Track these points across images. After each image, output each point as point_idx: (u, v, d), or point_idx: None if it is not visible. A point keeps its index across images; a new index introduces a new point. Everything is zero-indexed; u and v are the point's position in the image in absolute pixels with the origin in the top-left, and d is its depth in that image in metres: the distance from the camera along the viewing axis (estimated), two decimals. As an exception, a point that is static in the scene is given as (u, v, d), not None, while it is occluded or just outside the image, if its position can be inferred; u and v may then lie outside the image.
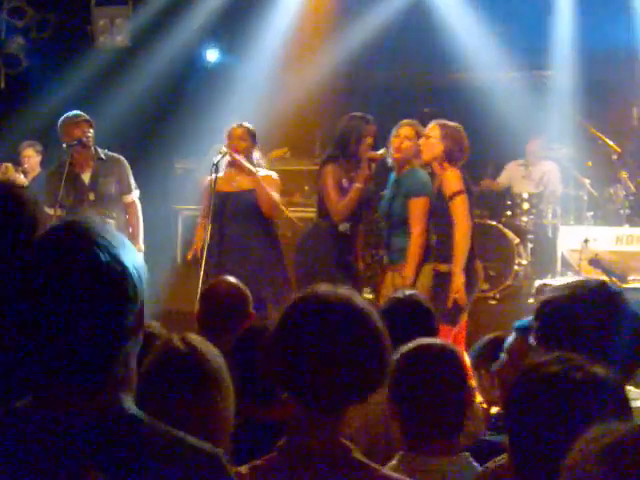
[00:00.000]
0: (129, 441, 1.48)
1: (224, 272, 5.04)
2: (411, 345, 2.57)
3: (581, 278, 2.46)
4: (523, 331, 2.89)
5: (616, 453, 1.13)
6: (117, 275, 1.50)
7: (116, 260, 1.51)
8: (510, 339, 3.06)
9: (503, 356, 3.05)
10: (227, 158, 6.26)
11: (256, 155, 6.35)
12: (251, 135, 6.32)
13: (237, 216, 6.17)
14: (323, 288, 2.03)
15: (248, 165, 6.21)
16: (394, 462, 2.45)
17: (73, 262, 1.48)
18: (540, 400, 1.75)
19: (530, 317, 3.00)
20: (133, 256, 1.55)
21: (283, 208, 6.47)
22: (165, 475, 1.47)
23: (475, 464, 2.48)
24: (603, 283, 2.38)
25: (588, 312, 2.25)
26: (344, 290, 2.03)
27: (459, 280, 5.53)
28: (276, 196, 6.23)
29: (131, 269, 1.53)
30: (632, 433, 1.15)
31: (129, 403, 1.53)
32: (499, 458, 2.32)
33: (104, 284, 1.49)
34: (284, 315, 2.01)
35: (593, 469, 1.13)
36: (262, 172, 6.29)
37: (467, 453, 2.52)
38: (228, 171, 6.29)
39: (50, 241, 1.53)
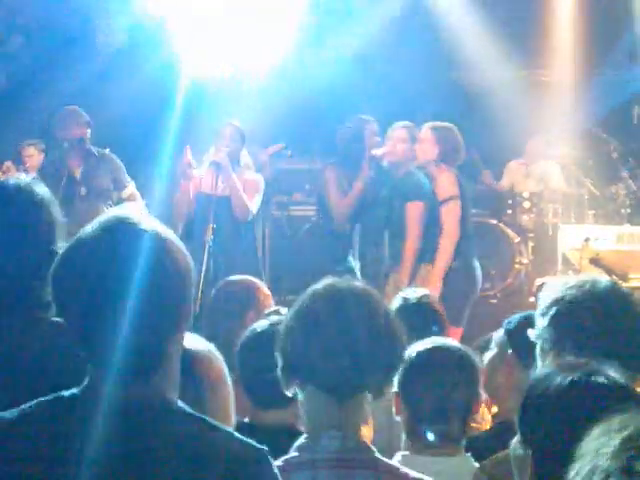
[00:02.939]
0: (172, 431, 1.52)
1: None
2: (427, 343, 2.55)
3: (587, 277, 2.40)
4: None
5: (631, 449, 1.10)
6: (175, 274, 1.56)
7: (173, 260, 1.56)
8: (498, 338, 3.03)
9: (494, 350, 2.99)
10: (210, 156, 5.99)
11: (244, 155, 6.14)
12: (240, 135, 6.08)
13: (218, 220, 5.85)
14: (339, 279, 2.07)
15: (231, 173, 5.89)
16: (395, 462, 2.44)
17: (133, 259, 1.53)
18: (564, 407, 1.71)
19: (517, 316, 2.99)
20: (184, 256, 1.60)
21: (253, 213, 6.11)
22: (212, 469, 1.50)
23: (476, 465, 2.47)
24: (614, 283, 2.35)
25: (600, 312, 2.23)
26: (358, 282, 2.09)
27: (436, 289, 5.40)
28: (253, 201, 5.97)
29: (183, 271, 1.58)
30: None
31: (174, 396, 1.57)
32: (497, 454, 2.32)
33: (164, 282, 1.54)
34: (301, 304, 2.04)
35: (607, 464, 1.11)
36: (248, 174, 6.08)
37: (469, 454, 2.51)
38: (209, 171, 5.99)
39: (106, 236, 1.57)
